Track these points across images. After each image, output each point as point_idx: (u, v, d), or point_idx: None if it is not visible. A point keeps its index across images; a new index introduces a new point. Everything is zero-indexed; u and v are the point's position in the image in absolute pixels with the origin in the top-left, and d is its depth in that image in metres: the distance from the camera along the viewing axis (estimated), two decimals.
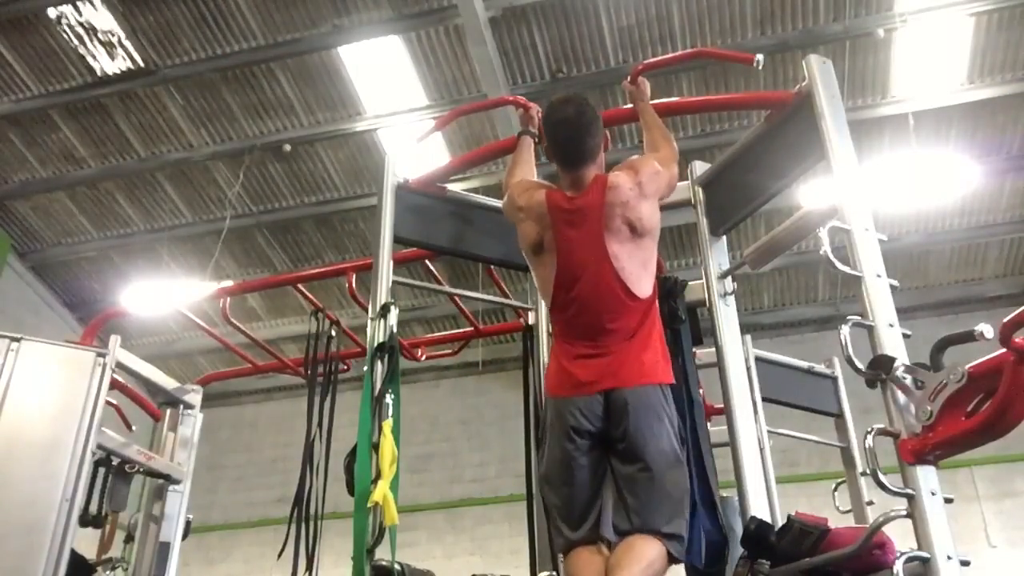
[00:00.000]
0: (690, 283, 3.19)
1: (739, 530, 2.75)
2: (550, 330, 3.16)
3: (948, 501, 2.15)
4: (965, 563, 2.08)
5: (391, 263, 3.30)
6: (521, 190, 2.97)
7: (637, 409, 2.58)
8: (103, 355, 3.62)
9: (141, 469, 3.94)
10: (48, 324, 10.14)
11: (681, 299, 3.10)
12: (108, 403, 3.79)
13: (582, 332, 2.73)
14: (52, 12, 7.85)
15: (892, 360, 2.27)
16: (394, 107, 8.46)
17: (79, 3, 7.75)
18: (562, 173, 2.88)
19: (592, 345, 2.70)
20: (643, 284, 2.74)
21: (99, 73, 8.36)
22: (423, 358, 5.60)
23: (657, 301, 2.84)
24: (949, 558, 2.07)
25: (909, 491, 2.14)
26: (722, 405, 3.05)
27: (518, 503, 3.85)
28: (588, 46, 7.87)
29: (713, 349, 3.13)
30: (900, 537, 2.19)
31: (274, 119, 8.76)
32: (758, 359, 4.04)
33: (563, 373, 2.72)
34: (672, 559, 2.51)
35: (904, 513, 2.15)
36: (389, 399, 2.88)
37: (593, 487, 2.61)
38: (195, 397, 4.38)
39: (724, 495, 3.17)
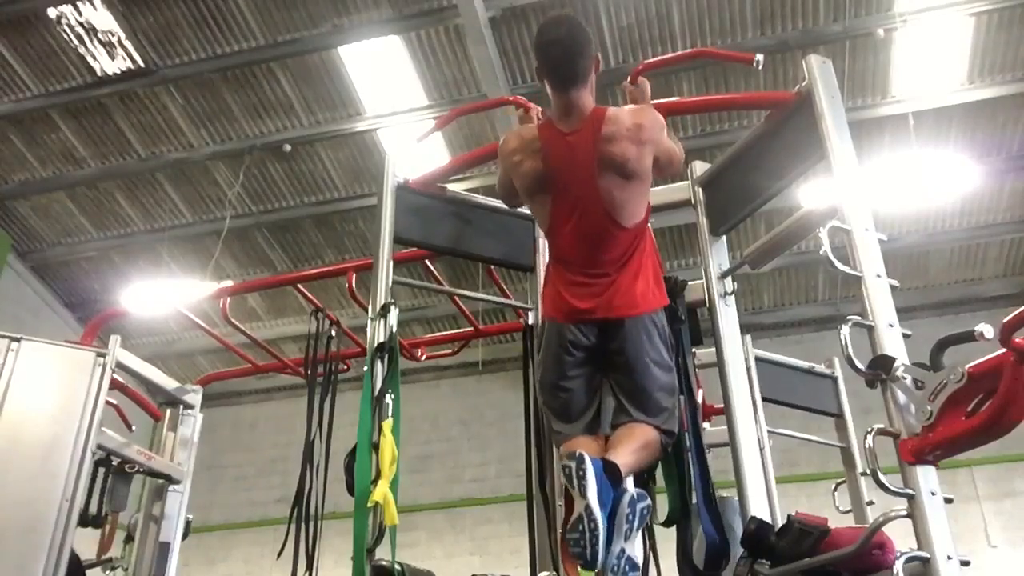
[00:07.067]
0: (690, 283, 3.18)
1: (739, 530, 2.75)
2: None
3: (948, 501, 2.15)
4: (965, 563, 2.08)
5: (391, 263, 3.29)
6: (511, 136, 3.02)
7: (631, 334, 2.69)
8: (103, 355, 3.62)
9: (141, 469, 3.95)
10: (48, 324, 10.14)
11: (681, 299, 3.09)
12: (108, 403, 3.79)
13: (577, 261, 2.80)
14: (52, 12, 7.85)
15: (892, 360, 2.26)
16: (394, 107, 8.47)
17: (79, 3, 7.75)
18: (554, 96, 2.89)
19: (587, 274, 2.78)
20: (634, 214, 2.79)
21: (99, 73, 8.36)
22: (423, 358, 5.58)
23: (649, 226, 2.89)
24: (949, 558, 2.06)
25: (909, 491, 2.14)
26: (722, 405, 3.05)
27: (518, 503, 3.85)
28: None
29: (713, 349, 3.13)
30: (900, 537, 2.19)
31: (274, 119, 8.76)
32: (758, 359, 4.03)
33: (559, 299, 2.81)
34: (663, 449, 2.71)
35: (904, 513, 2.14)
36: (389, 399, 2.88)
37: (590, 391, 2.76)
38: (195, 397, 4.39)
39: (724, 495, 3.17)
